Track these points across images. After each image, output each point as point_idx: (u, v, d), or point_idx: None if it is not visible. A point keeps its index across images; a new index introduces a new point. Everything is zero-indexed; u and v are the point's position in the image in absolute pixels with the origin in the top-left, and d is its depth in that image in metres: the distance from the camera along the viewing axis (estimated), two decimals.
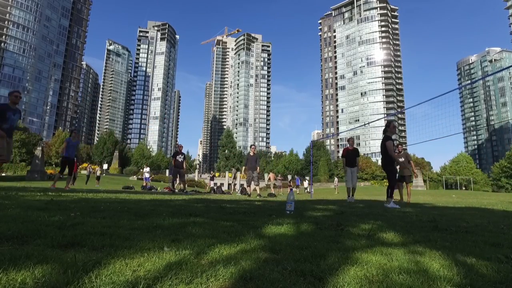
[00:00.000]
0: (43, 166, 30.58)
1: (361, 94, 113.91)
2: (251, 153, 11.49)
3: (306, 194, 24.84)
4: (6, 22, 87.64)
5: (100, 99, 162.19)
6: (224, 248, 1.67)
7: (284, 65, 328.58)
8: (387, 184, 6.55)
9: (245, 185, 12.39)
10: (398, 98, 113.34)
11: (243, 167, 12.01)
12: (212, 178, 26.38)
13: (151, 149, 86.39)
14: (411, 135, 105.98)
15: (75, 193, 6.20)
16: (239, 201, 6.83)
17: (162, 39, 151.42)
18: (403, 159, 9.21)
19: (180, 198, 6.76)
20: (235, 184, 24.96)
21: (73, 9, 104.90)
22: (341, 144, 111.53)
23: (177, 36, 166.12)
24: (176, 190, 13.48)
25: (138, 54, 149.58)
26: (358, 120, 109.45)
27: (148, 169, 25.72)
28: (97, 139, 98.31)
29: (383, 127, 6.94)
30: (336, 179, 32.26)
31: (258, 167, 11.52)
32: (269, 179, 27.52)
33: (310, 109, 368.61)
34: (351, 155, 9.30)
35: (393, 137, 6.84)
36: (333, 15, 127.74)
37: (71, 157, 9.32)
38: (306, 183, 30.35)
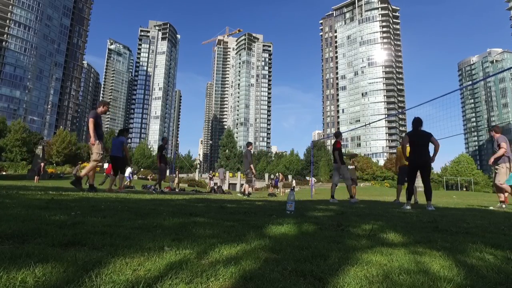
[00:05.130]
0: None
1: (362, 94, 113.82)
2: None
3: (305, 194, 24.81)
4: (7, 21, 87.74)
5: (101, 98, 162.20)
6: (224, 247, 1.67)
7: (286, 66, 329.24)
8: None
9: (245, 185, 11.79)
10: (399, 98, 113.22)
11: (251, 165, 11.34)
12: (211, 178, 26.27)
13: (151, 149, 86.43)
14: None
15: (76, 192, 6.20)
16: (239, 201, 6.83)
17: (163, 38, 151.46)
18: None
19: (181, 197, 6.77)
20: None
21: (74, 9, 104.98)
22: (341, 144, 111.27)
23: (178, 36, 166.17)
24: (177, 190, 13.48)
25: (139, 53, 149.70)
26: (359, 120, 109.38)
27: (129, 169, 24.94)
28: None
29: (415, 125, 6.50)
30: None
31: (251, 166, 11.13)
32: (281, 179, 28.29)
33: (315, 110, 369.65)
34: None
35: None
36: (334, 15, 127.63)
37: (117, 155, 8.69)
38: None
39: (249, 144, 11.35)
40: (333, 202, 7.79)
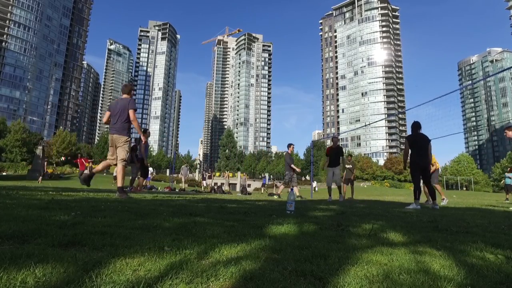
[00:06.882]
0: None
1: (362, 94, 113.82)
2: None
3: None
4: (7, 21, 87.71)
5: (101, 98, 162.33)
6: (224, 247, 1.67)
7: (286, 66, 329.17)
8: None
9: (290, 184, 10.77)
10: (399, 98, 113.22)
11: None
12: (203, 178, 25.46)
13: (151, 149, 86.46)
14: None
15: (76, 192, 6.20)
16: (240, 201, 6.83)
17: (163, 38, 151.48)
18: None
19: (181, 197, 6.77)
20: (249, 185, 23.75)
21: (74, 9, 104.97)
22: (341, 144, 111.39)
23: (178, 36, 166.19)
24: (177, 190, 13.50)
25: (139, 53, 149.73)
26: (359, 120, 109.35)
27: (151, 169, 25.16)
28: (98, 138, 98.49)
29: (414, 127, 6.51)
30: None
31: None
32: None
33: (316, 110, 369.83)
34: (334, 154, 9.22)
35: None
36: (334, 15, 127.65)
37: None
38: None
39: (289, 145, 10.94)
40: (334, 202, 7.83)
